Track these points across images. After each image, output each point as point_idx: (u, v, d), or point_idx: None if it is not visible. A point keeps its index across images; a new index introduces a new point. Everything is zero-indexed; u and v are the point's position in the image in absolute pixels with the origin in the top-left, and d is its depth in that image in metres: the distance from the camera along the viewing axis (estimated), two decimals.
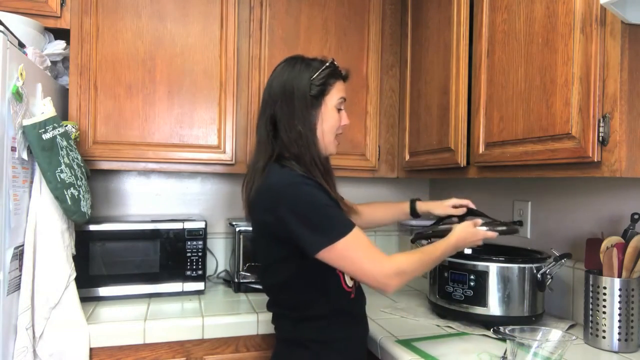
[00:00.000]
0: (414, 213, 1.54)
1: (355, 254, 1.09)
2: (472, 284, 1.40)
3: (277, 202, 1.11)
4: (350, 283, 1.21)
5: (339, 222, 1.10)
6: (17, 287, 1.24)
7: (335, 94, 1.24)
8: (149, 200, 2.08)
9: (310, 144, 1.19)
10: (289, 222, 1.09)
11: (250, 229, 1.82)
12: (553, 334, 1.08)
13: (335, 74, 1.24)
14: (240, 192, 1.34)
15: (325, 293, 1.17)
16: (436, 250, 1.20)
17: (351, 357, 1.25)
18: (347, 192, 1.66)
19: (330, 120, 1.23)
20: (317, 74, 1.20)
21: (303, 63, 1.23)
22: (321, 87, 1.21)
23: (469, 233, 1.25)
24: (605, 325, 1.24)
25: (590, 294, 1.27)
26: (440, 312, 1.51)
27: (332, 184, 1.28)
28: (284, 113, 1.20)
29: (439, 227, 1.41)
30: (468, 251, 1.37)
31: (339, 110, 1.26)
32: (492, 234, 1.26)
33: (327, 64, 1.23)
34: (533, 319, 1.39)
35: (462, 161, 1.53)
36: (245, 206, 1.26)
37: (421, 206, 1.54)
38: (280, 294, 1.23)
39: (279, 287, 1.21)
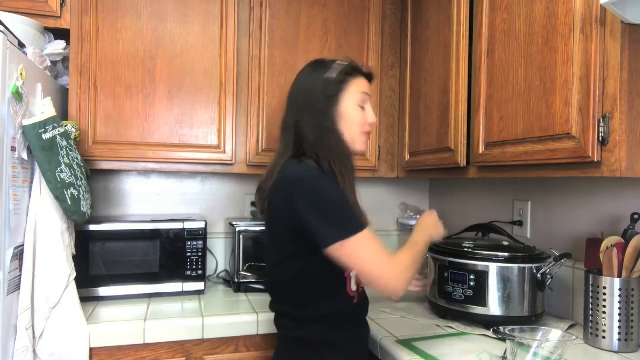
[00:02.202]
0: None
1: (365, 254, 1.08)
2: (472, 284, 1.40)
3: (294, 193, 1.11)
4: (354, 288, 1.21)
5: (352, 219, 1.09)
6: (17, 287, 1.24)
7: (355, 91, 1.25)
8: (149, 200, 2.08)
9: (332, 142, 1.20)
10: (304, 212, 1.08)
11: (251, 228, 1.85)
12: (553, 334, 1.08)
13: (352, 71, 1.26)
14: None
15: (330, 295, 1.18)
16: (418, 241, 1.21)
17: (356, 359, 1.26)
18: None
19: (350, 117, 1.24)
20: (332, 73, 1.23)
21: (322, 64, 1.26)
22: (337, 85, 1.23)
23: (432, 221, 1.30)
24: (605, 325, 1.24)
25: (590, 294, 1.27)
26: (440, 312, 1.51)
27: (351, 185, 1.25)
28: (305, 112, 1.22)
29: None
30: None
31: (363, 107, 1.26)
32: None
33: (343, 63, 1.25)
34: (533, 319, 1.39)
35: (462, 161, 1.53)
36: (261, 203, 1.27)
37: None
38: (287, 290, 1.23)
39: (288, 283, 1.21)
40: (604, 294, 1.24)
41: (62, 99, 1.67)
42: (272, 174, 1.23)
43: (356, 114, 1.25)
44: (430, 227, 1.28)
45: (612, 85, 1.02)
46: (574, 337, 1.07)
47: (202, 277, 1.78)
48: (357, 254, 1.07)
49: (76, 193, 1.35)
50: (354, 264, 1.08)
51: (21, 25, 1.47)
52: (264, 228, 1.82)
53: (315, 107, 1.22)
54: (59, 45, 1.64)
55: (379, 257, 1.08)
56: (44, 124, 1.27)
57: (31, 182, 1.30)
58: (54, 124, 1.32)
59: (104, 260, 1.69)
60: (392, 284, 1.08)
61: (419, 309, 1.62)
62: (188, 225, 1.78)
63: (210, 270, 2.06)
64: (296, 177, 1.15)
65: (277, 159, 1.26)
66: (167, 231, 1.76)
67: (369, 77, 1.31)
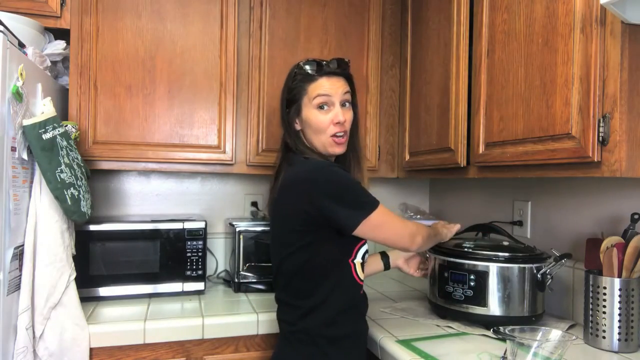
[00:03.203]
0: (388, 267, 1.61)
1: (387, 221, 1.22)
2: (472, 284, 1.40)
3: (312, 186, 1.17)
4: (362, 276, 1.27)
5: (368, 197, 1.21)
6: (17, 287, 1.24)
7: (312, 95, 1.26)
8: (149, 200, 2.08)
9: (299, 146, 1.29)
10: (324, 204, 1.15)
11: (251, 228, 1.85)
12: (553, 334, 1.08)
13: (307, 75, 1.26)
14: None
15: (336, 283, 1.22)
16: (433, 229, 1.40)
17: (355, 356, 1.27)
18: None
19: (312, 120, 1.26)
20: (290, 79, 1.31)
21: (291, 70, 1.33)
22: (295, 90, 1.29)
23: (443, 227, 1.48)
24: (605, 325, 1.24)
25: (590, 294, 1.27)
26: (440, 312, 1.51)
27: None
28: (281, 117, 1.34)
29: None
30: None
31: (322, 108, 1.26)
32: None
33: (296, 68, 1.30)
34: (533, 319, 1.39)
35: (462, 161, 1.53)
36: (272, 197, 1.31)
37: (392, 262, 1.62)
38: (293, 280, 1.24)
39: (294, 273, 1.23)
40: (604, 294, 1.24)
41: (62, 99, 1.67)
42: (280, 168, 1.31)
43: (316, 119, 1.26)
44: (439, 226, 1.46)
45: (612, 85, 1.02)
46: (574, 337, 1.07)
47: (202, 277, 1.78)
48: (380, 225, 1.20)
49: (76, 193, 1.35)
50: (379, 234, 1.21)
51: (21, 25, 1.47)
52: (264, 228, 1.85)
53: (282, 113, 1.32)
54: (59, 45, 1.64)
55: (398, 221, 1.25)
56: (44, 124, 1.27)
57: (31, 182, 1.30)
58: (54, 124, 1.32)
59: (104, 260, 1.69)
60: (410, 240, 1.26)
61: (419, 309, 1.62)
62: (188, 225, 1.78)
63: (210, 270, 2.06)
64: (310, 172, 1.20)
65: (279, 153, 1.36)
66: (167, 231, 1.76)
67: (339, 73, 1.28)
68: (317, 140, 1.28)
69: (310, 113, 1.26)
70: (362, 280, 1.28)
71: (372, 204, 1.19)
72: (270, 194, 1.34)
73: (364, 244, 1.28)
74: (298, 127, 1.31)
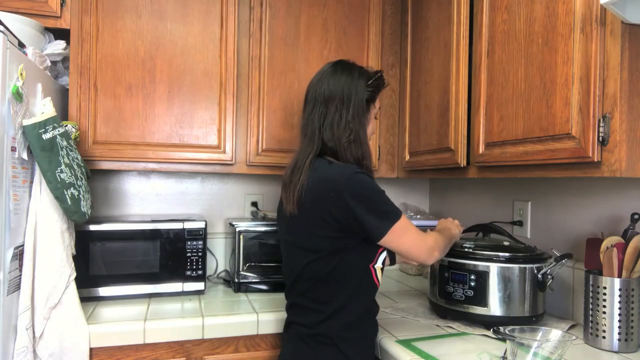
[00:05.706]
0: (394, 261, 1.59)
1: (409, 233, 1.22)
2: (472, 284, 1.40)
3: (342, 193, 1.16)
4: (380, 280, 1.29)
5: (393, 206, 1.21)
6: (17, 287, 1.24)
7: (377, 103, 1.36)
8: (149, 200, 2.08)
9: (364, 144, 1.29)
10: (355, 210, 1.16)
11: (251, 228, 1.85)
12: (553, 334, 1.08)
13: (381, 85, 1.35)
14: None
15: (358, 287, 1.23)
16: (443, 228, 1.40)
17: (369, 355, 1.30)
18: None
19: (371, 125, 1.35)
20: (371, 82, 1.31)
21: (359, 70, 1.32)
22: (371, 94, 1.31)
23: (453, 224, 1.46)
24: (605, 325, 1.24)
25: (590, 294, 1.27)
26: (441, 312, 1.51)
27: None
28: (340, 113, 1.27)
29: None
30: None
31: (375, 118, 1.38)
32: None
33: (379, 74, 1.33)
34: (533, 319, 1.39)
35: (462, 161, 1.53)
36: (294, 202, 1.24)
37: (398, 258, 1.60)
38: (317, 286, 1.24)
39: (319, 279, 1.23)
40: (604, 294, 1.24)
41: (62, 99, 1.67)
42: (299, 171, 1.25)
43: (374, 124, 1.37)
44: (450, 225, 1.43)
45: (612, 85, 1.02)
46: (573, 337, 1.07)
47: (202, 277, 1.78)
48: (402, 235, 1.20)
49: (76, 193, 1.35)
50: (400, 244, 1.21)
51: (21, 25, 1.47)
52: (264, 228, 1.85)
53: (353, 110, 1.27)
54: (59, 45, 1.64)
55: (418, 234, 1.25)
56: (44, 124, 1.27)
57: (31, 182, 1.30)
58: (54, 124, 1.32)
59: (104, 260, 1.69)
60: (428, 253, 1.25)
61: (419, 309, 1.62)
62: (188, 225, 1.78)
63: (210, 270, 2.06)
64: (342, 177, 1.18)
65: (301, 155, 1.28)
66: (167, 231, 1.76)
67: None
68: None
69: (372, 118, 1.35)
70: (379, 284, 1.28)
71: (396, 214, 1.19)
72: (289, 195, 1.26)
73: (384, 249, 1.28)
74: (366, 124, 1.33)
